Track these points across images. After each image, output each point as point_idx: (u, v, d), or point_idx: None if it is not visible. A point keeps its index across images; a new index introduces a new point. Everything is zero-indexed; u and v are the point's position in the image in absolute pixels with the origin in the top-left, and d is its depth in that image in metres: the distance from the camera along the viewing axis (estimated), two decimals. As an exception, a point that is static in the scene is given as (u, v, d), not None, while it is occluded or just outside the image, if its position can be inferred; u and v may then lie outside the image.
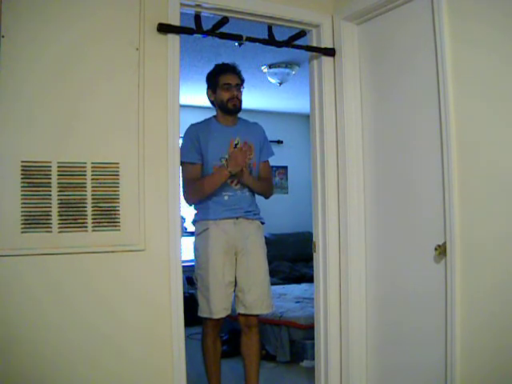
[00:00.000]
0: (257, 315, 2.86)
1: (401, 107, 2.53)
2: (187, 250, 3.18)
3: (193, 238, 2.94)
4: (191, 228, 2.96)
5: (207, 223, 2.83)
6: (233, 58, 4.46)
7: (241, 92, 2.93)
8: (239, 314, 2.86)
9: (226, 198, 2.84)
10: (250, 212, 2.88)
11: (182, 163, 2.57)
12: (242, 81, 2.96)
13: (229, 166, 2.74)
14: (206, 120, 2.98)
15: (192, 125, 2.92)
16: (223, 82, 2.88)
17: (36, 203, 2.07)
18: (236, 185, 2.86)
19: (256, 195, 2.99)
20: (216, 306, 2.76)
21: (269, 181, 3.10)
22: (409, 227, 2.48)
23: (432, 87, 2.27)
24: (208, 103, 3.02)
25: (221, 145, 2.85)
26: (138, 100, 2.27)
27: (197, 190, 2.80)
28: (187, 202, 2.87)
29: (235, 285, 2.84)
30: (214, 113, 3.00)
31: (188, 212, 3.03)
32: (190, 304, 2.89)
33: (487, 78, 2.08)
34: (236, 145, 2.88)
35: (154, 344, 2.29)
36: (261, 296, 2.83)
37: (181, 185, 2.49)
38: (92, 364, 2.16)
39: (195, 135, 2.85)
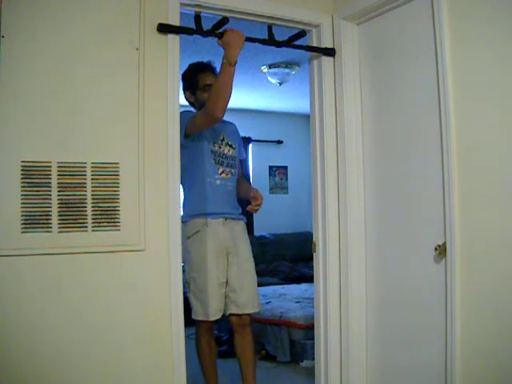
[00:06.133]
0: (249, 314, 2.88)
1: (401, 107, 2.53)
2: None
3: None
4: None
5: (197, 224, 2.80)
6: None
7: None
8: (231, 314, 2.86)
9: (218, 182, 2.85)
10: (234, 212, 2.91)
11: (191, 122, 2.68)
12: None
13: (228, 53, 2.44)
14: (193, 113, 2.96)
15: (186, 110, 2.81)
16: (203, 83, 2.88)
17: (36, 203, 2.07)
18: (222, 174, 2.87)
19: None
20: (212, 308, 2.76)
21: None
22: (409, 227, 2.48)
23: (432, 87, 2.27)
24: None
25: (210, 133, 2.85)
26: (138, 100, 2.28)
27: (217, 95, 2.52)
28: (216, 112, 2.57)
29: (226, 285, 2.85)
30: None
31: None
32: (190, 304, 2.89)
33: (487, 78, 2.08)
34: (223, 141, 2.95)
35: (153, 344, 2.29)
36: (252, 295, 2.87)
37: (199, 119, 2.70)
38: (91, 364, 2.16)
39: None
